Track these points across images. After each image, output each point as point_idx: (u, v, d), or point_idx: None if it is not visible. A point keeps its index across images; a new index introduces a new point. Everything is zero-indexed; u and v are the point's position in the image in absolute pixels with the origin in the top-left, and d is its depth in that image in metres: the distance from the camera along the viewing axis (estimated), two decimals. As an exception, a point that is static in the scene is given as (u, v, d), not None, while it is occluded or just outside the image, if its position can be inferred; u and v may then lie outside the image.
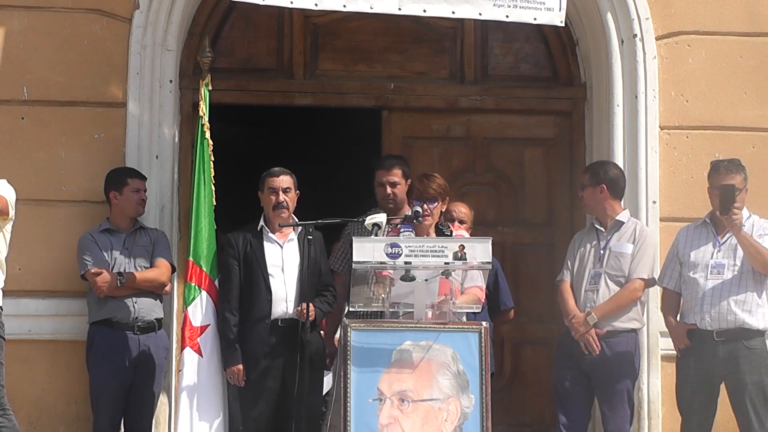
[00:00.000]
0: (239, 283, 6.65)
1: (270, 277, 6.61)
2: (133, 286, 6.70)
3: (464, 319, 6.25)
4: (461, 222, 7.02)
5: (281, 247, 6.69)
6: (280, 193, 6.70)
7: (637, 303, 6.69)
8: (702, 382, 6.47)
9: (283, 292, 6.60)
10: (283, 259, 6.66)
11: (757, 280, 6.41)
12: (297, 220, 6.72)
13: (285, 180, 6.74)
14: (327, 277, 6.81)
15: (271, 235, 6.72)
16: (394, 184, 6.94)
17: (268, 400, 6.59)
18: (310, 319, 6.33)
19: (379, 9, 6.94)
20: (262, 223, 6.76)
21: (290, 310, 6.57)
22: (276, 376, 6.57)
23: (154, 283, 6.78)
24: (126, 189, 6.83)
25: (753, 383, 6.36)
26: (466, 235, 6.72)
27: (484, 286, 6.33)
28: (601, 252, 6.70)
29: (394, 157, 7.23)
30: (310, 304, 6.34)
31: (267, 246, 6.69)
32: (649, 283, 6.75)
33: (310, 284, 6.47)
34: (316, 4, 6.90)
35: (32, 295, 7.03)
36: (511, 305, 7.38)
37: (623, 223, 6.77)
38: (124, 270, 6.71)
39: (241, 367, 6.57)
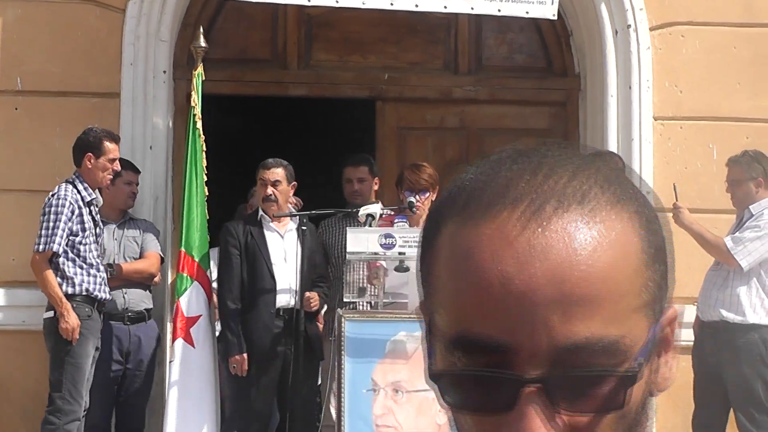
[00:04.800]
0: (240, 273, 6.65)
1: (273, 267, 6.62)
2: (123, 277, 6.70)
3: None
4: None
5: (282, 237, 6.69)
6: (269, 186, 6.71)
7: None
8: (703, 373, 6.48)
9: (287, 281, 6.61)
10: (285, 249, 6.66)
11: (744, 273, 6.40)
12: (295, 211, 6.74)
13: (275, 173, 6.74)
14: (321, 268, 6.82)
15: (271, 224, 6.72)
16: (361, 180, 7.10)
17: (269, 389, 6.61)
18: (315, 308, 6.41)
19: (371, 4, 6.96)
20: (261, 212, 6.76)
21: (293, 300, 6.58)
22: (278, 366, 6.57)
23: (144, 274, 6.79)
24: (118, 180, 6.82)
25: (731, 376, 6.34)
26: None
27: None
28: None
29: (361, 155, 7.34)
30: (315, 294, 6.42)
31: (268, 235, 6.69)
32: None
33: (307, 275, 6.51)
34: (309, 0, 6.92)
35: (26, 286, 7.01)
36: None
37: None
38: (114, 261, 6.71)
39: (245, 356, 6.56)
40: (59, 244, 6.17)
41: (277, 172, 6.74)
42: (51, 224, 6.20)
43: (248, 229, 6.69)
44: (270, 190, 6.70)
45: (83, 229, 6.28)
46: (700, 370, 6.51)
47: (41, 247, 6.19)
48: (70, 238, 6.23)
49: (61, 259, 6.22)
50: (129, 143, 7.18)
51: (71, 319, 6.09)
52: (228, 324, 6.65)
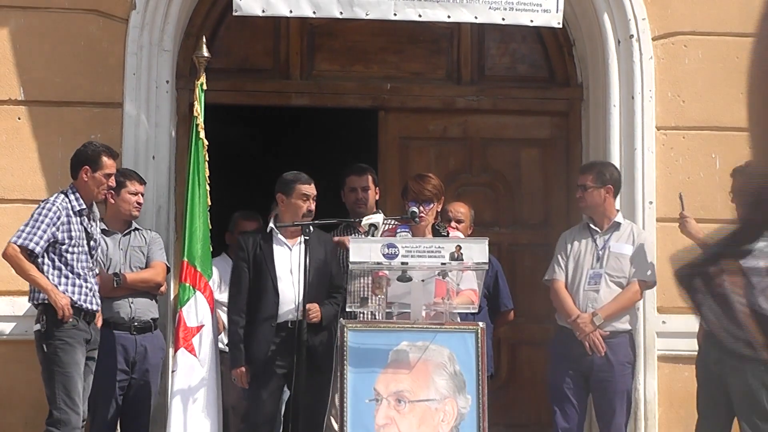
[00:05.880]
0: (248, 286, 6.65)
1: (278, 280, 6.61)
2: (129, 286, 6.70)
3: (457, 319, 6.24)
4: (459, 221, 7.02)
5: (290, 249, 6.67)
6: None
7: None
8: (706, 383, 6.45)
9: (292, 294, 6.58)
10: (291, 262, 6.64)
11: None
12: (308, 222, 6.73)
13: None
14: (338, 279, 6.77)
15: (280, 237, 6.71)
16: (365, 189, 7.09)
17: (272, 401, 6.59)
18: (315, 320, 6.37)
19: (374, 15, 7.01)
20: (271, 225, 6.74)
21: (296, 312, 6.54)
22: (281, 377, 6.55)
23: (150, 284, 6.79)
24: (123, 190, 6.81)
25: (735, 385, 6.30)
26: (460, 235, 6.71)
27: (479, 289, 6.28)
28: (600, 252, 6.71)
29: (363, 165, 7.35)
30: (316, 305, 6.38)
31: (276, 248, 6.68)
32: (649, 284, 6.76)
33: (311, 286, 6.48)
34: (314, 12, 6.99)
35: (28, 296, 7.02)
36: (511, 306, 7.37)
37: (620, 224, 6.80)
38: (120, 271, 6.72)
39: (244, 369, 6.55)
40: (37, 243, 6.19)
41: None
42: (33, 222, 6.24)
43: (258, 242, 6.69)
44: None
45: (70, 237, 6.28)
46: (703, 379, 6.49)
47: (17, 240, 6.21)
48: (57, 246, 6.24)
49: (45, 267, 6.24)
50: (131, 153, 7.19)
51: (60, 296, 6.12)
52: (231, 337, 6.65)
